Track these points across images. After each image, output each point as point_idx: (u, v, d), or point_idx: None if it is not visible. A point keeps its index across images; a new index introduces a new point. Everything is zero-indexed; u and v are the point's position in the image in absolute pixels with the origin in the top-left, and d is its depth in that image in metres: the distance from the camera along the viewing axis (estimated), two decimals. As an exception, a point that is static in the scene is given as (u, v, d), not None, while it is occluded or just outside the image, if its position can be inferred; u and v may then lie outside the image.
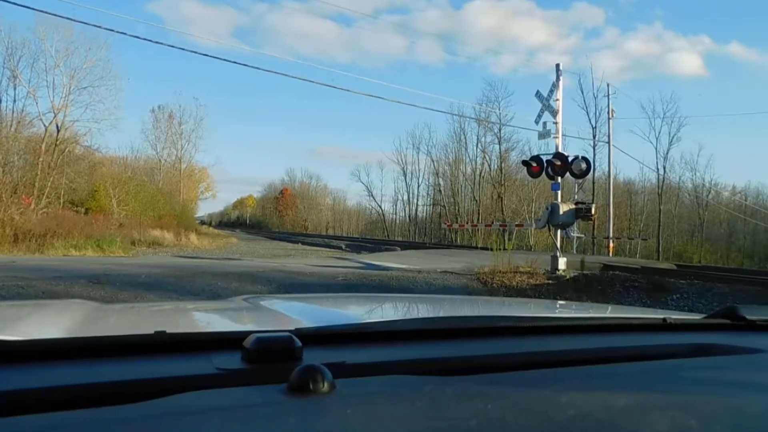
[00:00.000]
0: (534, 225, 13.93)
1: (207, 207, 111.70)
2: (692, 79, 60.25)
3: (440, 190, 41.72)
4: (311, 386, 0.60)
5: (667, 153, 31.40)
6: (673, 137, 31.26)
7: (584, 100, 28.70)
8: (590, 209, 13.78)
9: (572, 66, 50.06)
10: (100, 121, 25.60)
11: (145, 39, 27.88)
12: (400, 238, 41.64)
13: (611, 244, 20.45)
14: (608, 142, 23.03)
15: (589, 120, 28.74)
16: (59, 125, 23.55)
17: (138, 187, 29.01)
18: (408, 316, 1.47)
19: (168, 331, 0.80)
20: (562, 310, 1.83)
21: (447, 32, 75.33)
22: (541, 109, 10.93)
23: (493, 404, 0.61)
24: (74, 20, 16.93)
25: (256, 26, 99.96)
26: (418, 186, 46.00)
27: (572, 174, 9.86)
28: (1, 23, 24.08)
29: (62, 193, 22.91)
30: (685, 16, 67.06)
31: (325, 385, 0.61)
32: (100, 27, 16.33)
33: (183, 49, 41.67)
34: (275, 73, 54.27)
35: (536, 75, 70.79)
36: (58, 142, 22.87)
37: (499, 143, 35.61)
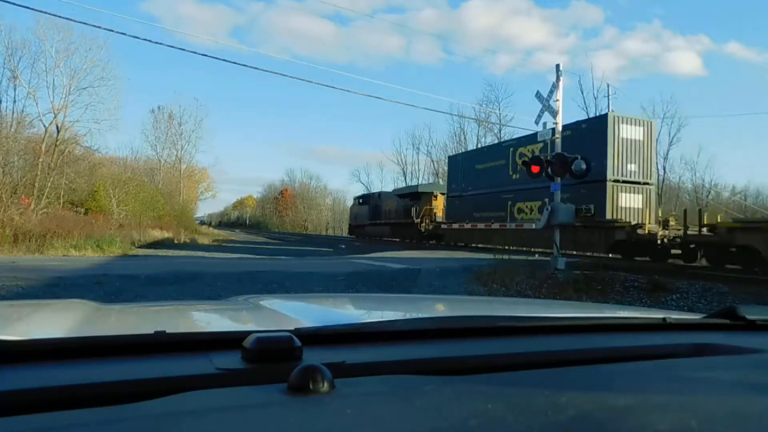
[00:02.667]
0: (534, 225, 13.93)
1: (207, 207, 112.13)
2: (691, 78, 60.43)
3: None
4: (311, 386, 0.60)
5: (667, 153, 31.53)
6: (672, 138, 31.36)
7: (584, 101, 28.84)
8: (590, 209, 13.79)
9: (571, 66, 50.41)
10: (100, 121, 25.71)
11: (145, 39, 28.01)
12: (400, 238, 41.98)
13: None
14: (608, 143, 22.99)
15: (589, 120, 28.76)
16: (59, 126, 23.60)
17: (138, 188, 29.04)
18: (408, 316, 1.47)
19: (168, 331, 0.80)
20: (562, 310, 1.83)
21: (444, 32, 75.67)
22: (541, 109, 10.93)
23: (493, 404, 0.61)
24: (74, 21, 17.02)
25: (252, 26, 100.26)
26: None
27: (572, 175, 9.86)
28: (1, 23, 24.16)
29: (62, 193, 22.92)
30: (684, 15, 67.28)
31: (325, 385, 0.61)
32: (99, 27, 16.46)
33: (183, 49, 41.81)
34: (274, 73, 54.38)
35: (535, 74, 71.17)
36: (58, 143, 22.88)
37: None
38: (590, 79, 40.57)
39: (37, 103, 24.71)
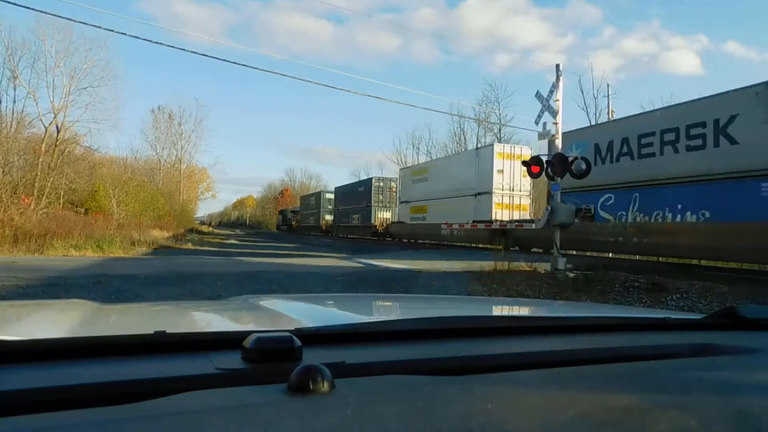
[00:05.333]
0: (534, 225, 13.92)
1: (207, 207, 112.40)
2: (689, 78, 60.49)
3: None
4: (311, 386, 0.60)
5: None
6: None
7: (584, 101, 28.85)
8: (590, 209, 13.80)
9: (570, 65, 50.68)
10: (100, 121, 25.78)
11: (145, 39, 27.97)
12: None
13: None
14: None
15: (589, 120, 28.88)
16: (59, 126, 23.60)
17: (138, 188, 29.04)
18: (408, 316, 1.47)
19: (168, 331, 0.80)
20: (562, 310, 1.83)
21: (442, 31, 75.90)
22: (541, 109, 10.93)
23: (493, 404, 0.61)
24: (74, 21, 17.04)
25: (248, 25, 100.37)
26: (418, 186, 46.49)
27: (572, 174, 9.87)
28: (1, 23, 24.20)
29: (62, 193, 22.90)
30: (683, 15, 67.36)
31: (325, 385, 0.61)
32: (99, 27, 16.49)
33: (183, 49, 41.80)
34: (274, 73, 54.64)
35: (533, 74, 71.38)
36: (58, 143, 22.87)
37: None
38: (590, 78, 40.74)
39: (37, 103, 24.78)
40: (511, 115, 36.34)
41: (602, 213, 12.80)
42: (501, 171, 19.72)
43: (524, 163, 10.22)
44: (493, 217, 19.28)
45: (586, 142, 13.71)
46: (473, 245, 19.83)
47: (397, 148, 55.43)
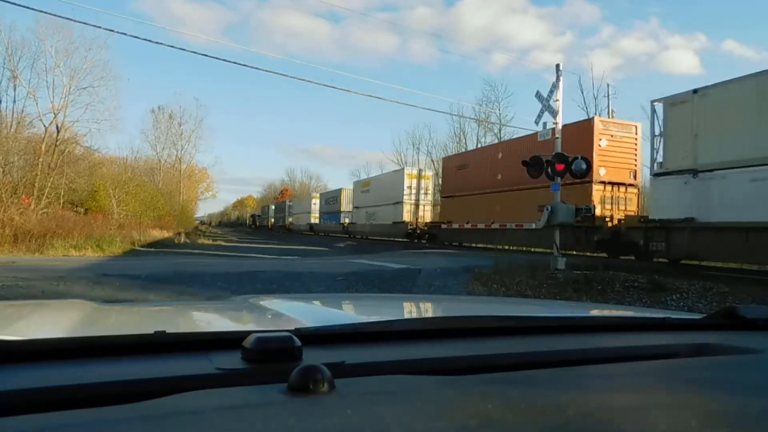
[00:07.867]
0: (534, 225, 13.92)
1: (207, 207, 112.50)
2: (688, 77, 60.52)
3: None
4: (311, 386, 0.60)
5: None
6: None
7: (584, 100, 28.84)
8: (590, 209, 13.77)
9: (568, 64, 50.66)
10: (100, 121, 25.77)
11: (145, 39, 28.06)
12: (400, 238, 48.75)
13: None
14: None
15: (589, 120, 28.83)
16: (59, 126, 23.59)
17: (138, 188, 29.05)
18: (408, 316, 1.48)
19: (168, 331, 0.80)
20: (562, 310, 1.83)
21: (440, 30, 75.97)
22: (541, 109, 10.92)
23: (493, 404, 0.61)
24: (74, 20, 17.07)
25: (245, 24, 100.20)
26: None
27: (572, 174, 9.86)
28: (1, 23, 24.20)
29: (62, 193, 22.90)
30: (682, 14, 67.41)
31: (325, 385, 0.61)
32: (99, 27, 16.49)
33: (183, 49, 41.82)
34: (274, 73, 54.79)
35: (531, 73, 71.37)
36: (58, 143, 22.87)
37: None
38: (590, 78, 40.79)
39: (37, 103, 24.73)
40: (511, 115, 36.41)
41: (323, 222, 42.89)
42: (316, 204, 45.14)
43: (524, 162, 10.21)
44: (313, 221, 44.87)
45: (324, 196, 44.58)
46: (307, 234, 42.65)
47: (397, 148, 56.28)
